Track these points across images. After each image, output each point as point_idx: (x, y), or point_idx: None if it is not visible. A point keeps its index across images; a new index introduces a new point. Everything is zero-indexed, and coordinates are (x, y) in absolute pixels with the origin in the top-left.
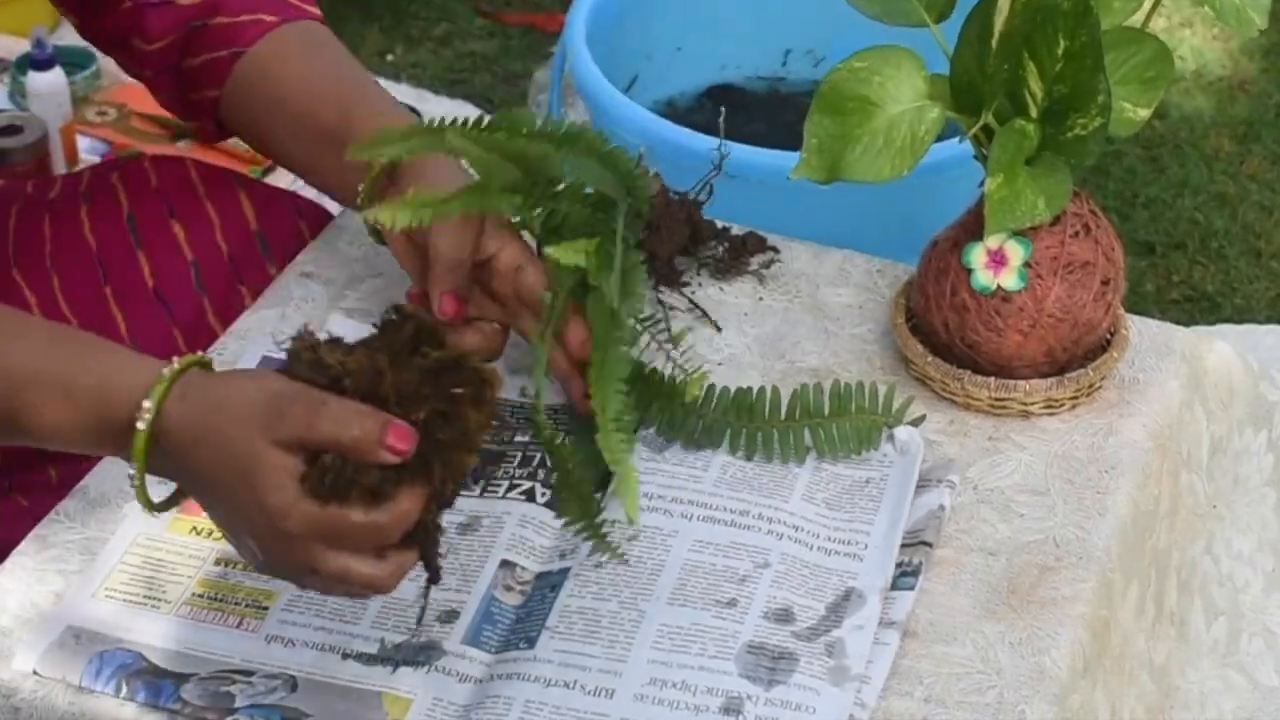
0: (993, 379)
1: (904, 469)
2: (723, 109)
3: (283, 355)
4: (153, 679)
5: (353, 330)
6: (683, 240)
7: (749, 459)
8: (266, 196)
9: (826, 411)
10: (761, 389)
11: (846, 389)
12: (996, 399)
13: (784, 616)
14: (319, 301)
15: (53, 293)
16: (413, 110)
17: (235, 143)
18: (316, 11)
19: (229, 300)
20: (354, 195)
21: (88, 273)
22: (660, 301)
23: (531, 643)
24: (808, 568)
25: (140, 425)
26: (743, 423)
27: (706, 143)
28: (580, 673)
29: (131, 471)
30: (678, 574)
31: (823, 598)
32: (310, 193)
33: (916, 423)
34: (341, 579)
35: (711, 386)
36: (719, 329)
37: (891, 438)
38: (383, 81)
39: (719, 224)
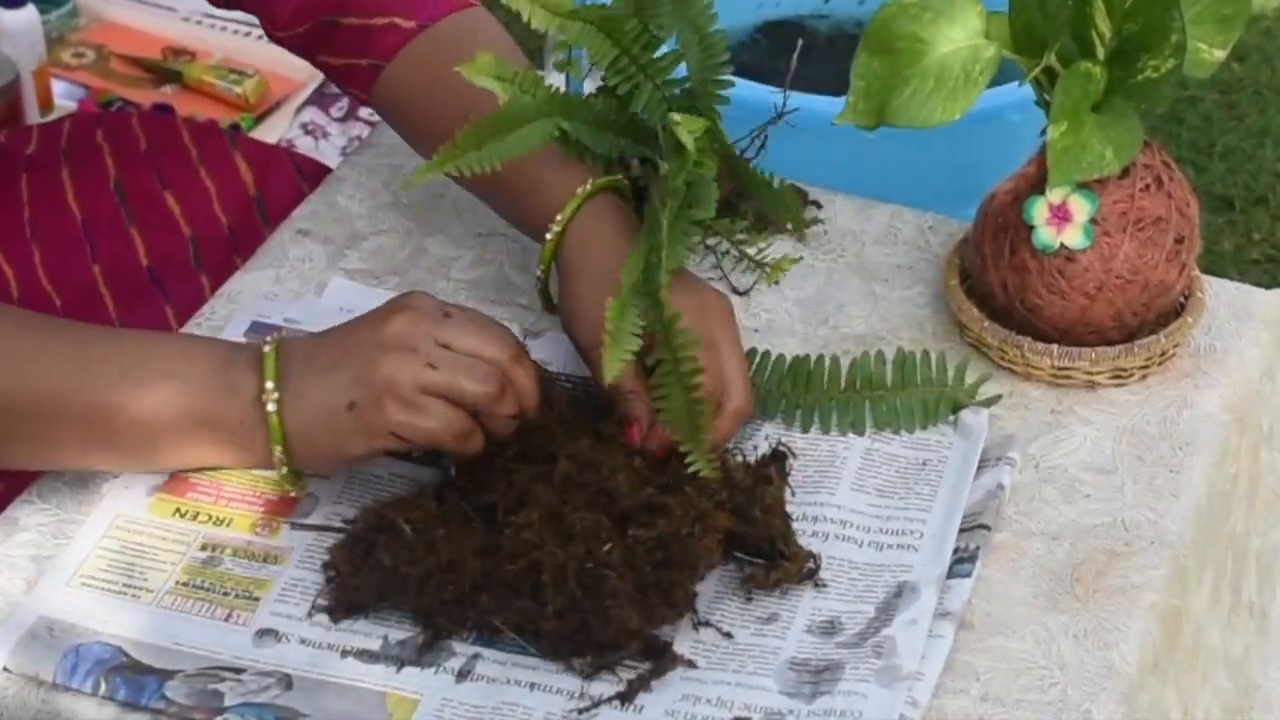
0: (1055, 346)
1: (964, 451)
2: (795, 52)
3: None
4: (134, 675)
5: (354, 293)
6: (725, 192)
7: (804, 431)
8: (264, 156)
9: (889, 383)
10: (820, 357)
11: (911, 359)
12: (1059, 368)
13: (829, 629)
14: (317, 262)
15: (33, 267)
16: None
17: (225, 86)
18: None
19: (228, 277)
20: (533, 226)
21: (73, 248)
22: (709, 246)
23: None
24: (857, 569)
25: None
26: (798, 393)
27: (757, 91)
28: (606, 686)
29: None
30: (714, 587)
31: (872, 599)
32: (306, 147)
33: (987, 403)
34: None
35: (765, 353)
36: (742, 293)
37: (955, 418)
38: None
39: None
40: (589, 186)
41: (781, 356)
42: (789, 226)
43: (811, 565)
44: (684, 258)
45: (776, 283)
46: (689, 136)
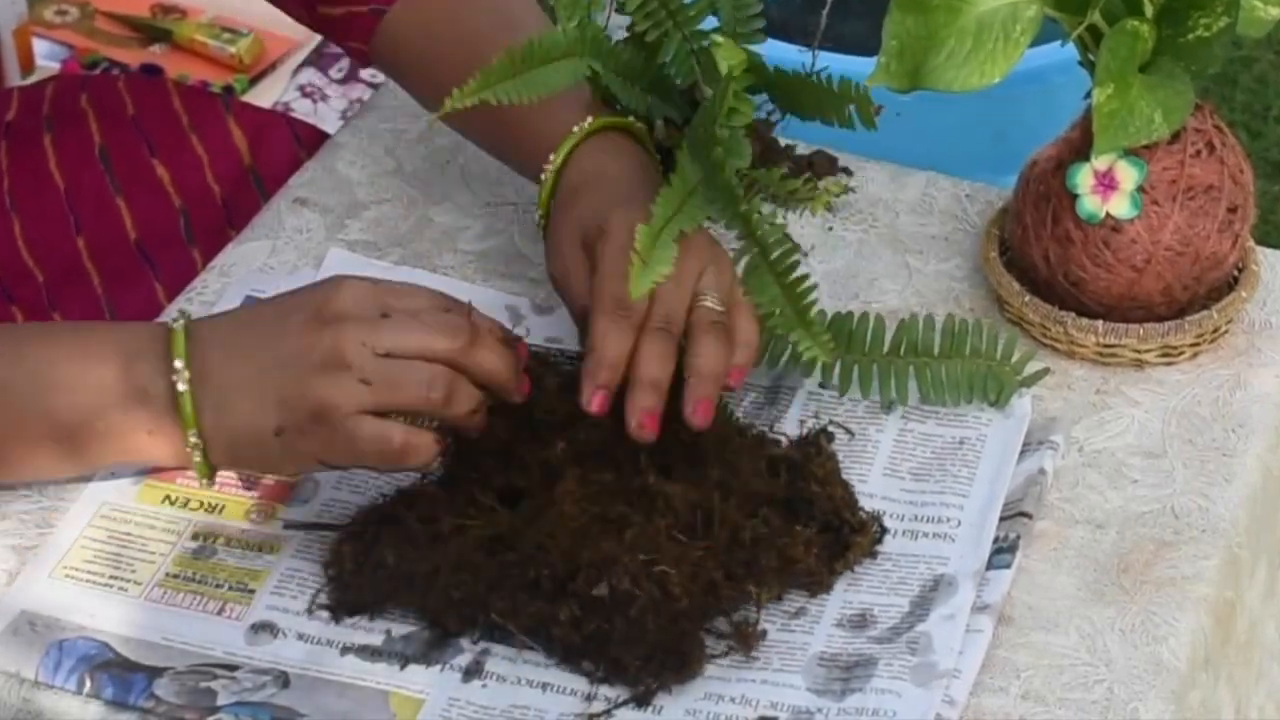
0: (1101, 322)
1: (1006, 434)
2: (825, 8)
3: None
4: (121, 673)
5: (355, 266)
6: (752, 160)
7: (842, 393)
8: (259, 122)
9: (936, 350)
10: (864, 314)
11: (962, 326)
12: (1105, 346)
13: (860, 622)
14: (315, 233)
15: (13, 240)
16: None
17: (218, 45)
18: None
19: (221, 249)
20: (531, 167)
21: (56, 220)
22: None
23: None
24: (890, 560)
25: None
26: (838, 353)
27: (785, 50)
28: (622, 686)
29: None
30: None
31: (907, 592)
32: (304, 111)
33: (1029, 381)
34: (393, 383)
35: None
36: (824, 207)
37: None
38: None
39: (781, 141)
40: (588, 124)
41: (822, 312)
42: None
43: (877, 530)
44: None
45: (828, 207)
46: (728, 65)
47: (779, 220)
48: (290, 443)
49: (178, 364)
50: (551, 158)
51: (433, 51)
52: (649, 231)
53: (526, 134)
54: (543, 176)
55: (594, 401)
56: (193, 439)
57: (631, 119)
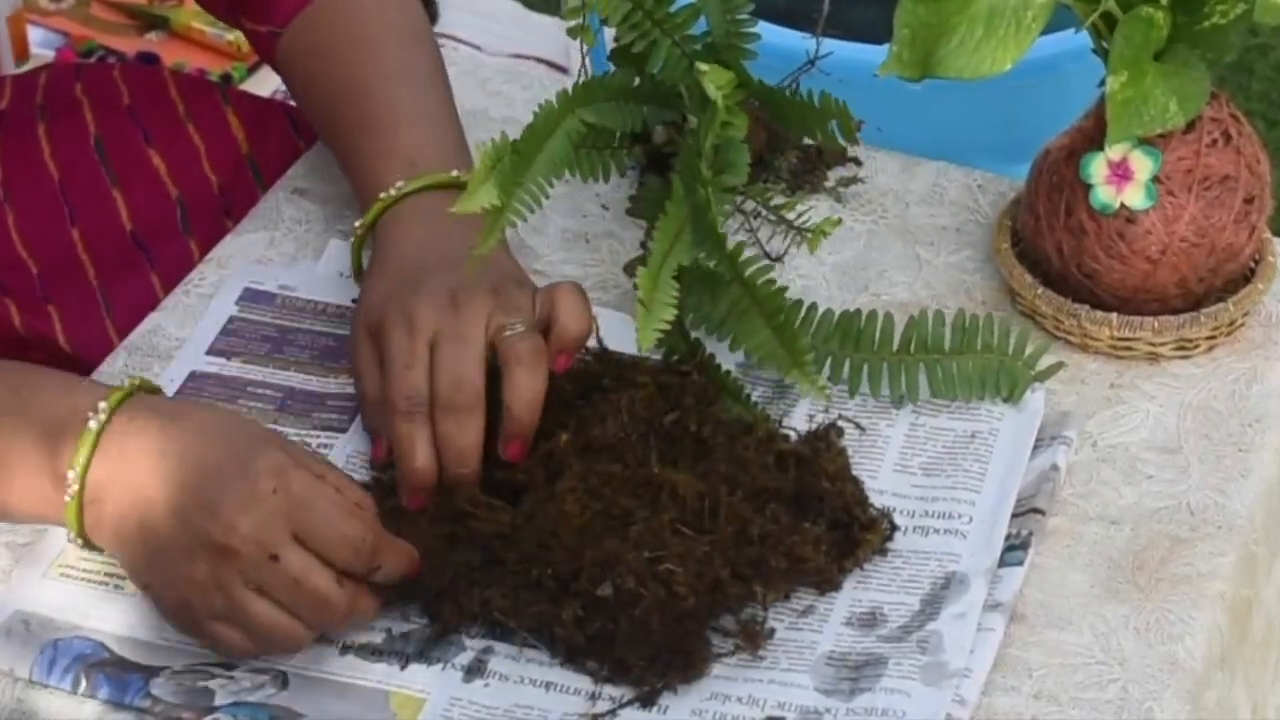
0: (1115, 315)
1: (1018, 428)
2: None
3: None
4: (117, 672)
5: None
6: (758, 148)
7: (851, 394)
8: (256, 111)
9: (947, 346)
10: (872, 312)
11: (973, 321)
12: (1119, 339)
13: (870, 620)
14: (314, 223)
15: (7, 232)
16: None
17: (215, 33)
18: None
19: (218, 241)
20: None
21: (50, 211)
22: (740, 210)
23: None
24: (900, 557)
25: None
26: (846, 351)
27: (789, 37)
28: (627, 685)
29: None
30: None
31: (917, 589)
32: None
33: (1043, 375)
34: (298, 579)
35: (812, 305)
36: (775, 259)
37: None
38: None
39: None
40: (400, 188)
41: (829, 311)
42: (844, 141)
43: (888, 527)
44: (720, 222)
45: (825, 234)
46: (717, 91)
47: (801, 208)
48: (153, 601)
49: (70, 474)
50: (357, 225)
51: (316, 76)
52: (648, 275)
53: (357, 185)
54: (351, 239)
55: (413, 502)
56: (74, 537)
57: (456, 174)
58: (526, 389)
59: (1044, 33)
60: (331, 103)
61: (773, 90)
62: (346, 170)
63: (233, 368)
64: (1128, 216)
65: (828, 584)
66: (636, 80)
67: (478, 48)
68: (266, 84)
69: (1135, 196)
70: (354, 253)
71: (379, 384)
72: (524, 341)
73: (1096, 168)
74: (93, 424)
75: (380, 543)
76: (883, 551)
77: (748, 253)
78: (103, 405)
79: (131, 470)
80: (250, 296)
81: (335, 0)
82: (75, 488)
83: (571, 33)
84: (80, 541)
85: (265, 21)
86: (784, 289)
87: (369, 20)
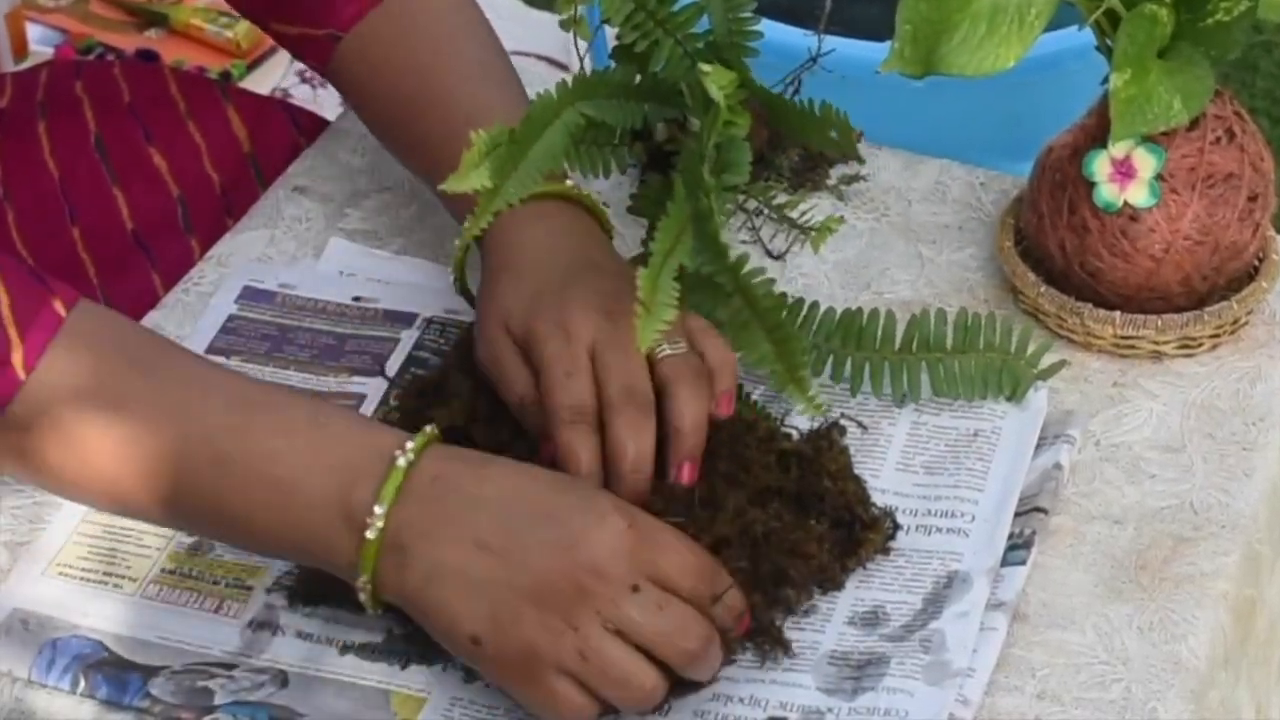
0: (1118, 313)
1: (1021, 427)
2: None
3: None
4: (116, 672)
5: (355, 255)
6: (760, 145)
7: (854, 394)
8: (258, 109)
9: (949, 345)
10: (874, 311)
11: (975, 320)
12: (1123, 337)
13: (872, 619)
14: (315, 222)
15: (7, 230)
16: None
17: (215, 30)
18: None
19: (219, 239)
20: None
21: (51, 209)
22: (743, 208)
23: None
24: (903, 556)
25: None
26: (847, 350)
27: (790, 34)
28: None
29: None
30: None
31: (920, 589)
32: (304, 97)
33: (1045, 374)
34: (660, 604)
35: (814, 304)
36: (776, 257)
37: (1015, 391)
38: None
39: None
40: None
41: (831, 310)
42: (841, 152)
43: (890, 526)
44: (722, 223)
45: (830, 231)
46: (719, 91)
47: (804, 207)
48: (480, 654)
49: (377, 509)
50: (466, 226)
51: (381, 85)
52: (649, 276)
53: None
54: (457, 241)
55: None
56: (363, 580)
57: (570, 184)
58: (693, 408)
59: (1047, 30)
60: (410, 107)
61: (774, 96)
62: (431, 175)
63: (232, 366)
64: (1131, 214)
65: (830, 583)
66: (638, 77)
67: None
68: (266, 82)
69: (1139, 194)
70: (458, 261)
71: (530, 386)
72: (687, 361)
73: (1100, 165)
74: (401, 461)
75: (719, 569)
76: (885, 551)
77: (749, 251)
78: (410, 445)
79: (449, 514)
80: (250, 295)
81: (404, 2)
82: (380, 524)
83: (564, 25)
84: (367, 586)
85: (324, 25)
86: (785, 301)
87: (444, 21)
